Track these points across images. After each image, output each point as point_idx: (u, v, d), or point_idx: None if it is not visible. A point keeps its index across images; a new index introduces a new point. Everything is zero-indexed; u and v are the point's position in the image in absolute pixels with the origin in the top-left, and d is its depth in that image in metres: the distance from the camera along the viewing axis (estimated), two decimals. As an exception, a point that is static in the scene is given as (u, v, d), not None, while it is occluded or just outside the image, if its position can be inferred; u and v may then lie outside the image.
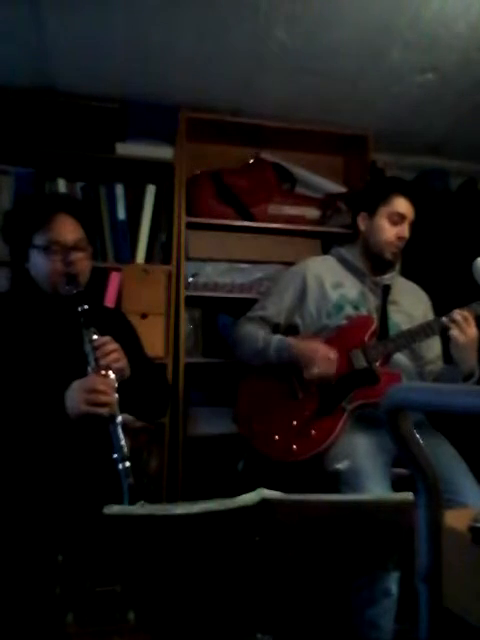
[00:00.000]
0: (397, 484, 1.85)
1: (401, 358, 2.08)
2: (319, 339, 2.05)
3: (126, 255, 2.56)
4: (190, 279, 2.68)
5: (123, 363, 1.59)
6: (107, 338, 1.58)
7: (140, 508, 0.97)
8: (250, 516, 0.96)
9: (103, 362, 1.53)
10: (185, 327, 2.68)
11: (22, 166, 2.53)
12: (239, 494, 0.97)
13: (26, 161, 2.54)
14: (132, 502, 1.42)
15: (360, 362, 2.00)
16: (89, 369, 1.53)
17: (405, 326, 2.03)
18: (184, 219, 2.67)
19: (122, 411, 1.68)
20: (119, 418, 1.50)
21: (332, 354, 1.96)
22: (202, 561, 1.01)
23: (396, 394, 0.77)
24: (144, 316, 2.50)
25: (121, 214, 2.56)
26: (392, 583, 1.73)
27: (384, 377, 1.97)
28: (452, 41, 2.28)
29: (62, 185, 2.52)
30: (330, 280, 2.11)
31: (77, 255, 1.66)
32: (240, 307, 2.46)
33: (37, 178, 2.52)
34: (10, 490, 1.53)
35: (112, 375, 1.53)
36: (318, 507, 1.03)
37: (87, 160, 2.57)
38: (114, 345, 1.58)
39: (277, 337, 2.06)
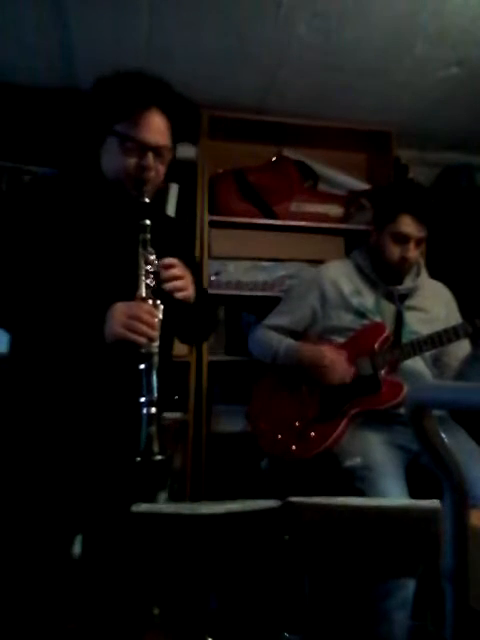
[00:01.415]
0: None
1: (418, 365, 2.07)
2: (327, 344, 2.07)
3: (150, 254, 2.57)
4: (213, 277, 2.69)
5: (190, 292, 1.45)
6: (174, 260, 1.42)
7: (168, 506, 0.97)
8: (275, 517, 0.96)
9: (167, 287, 1.39)
10: (208, 325, 2.69)
11: (46, 166, 2.55)
12: (263, 491, 0.98)
13: (50, 161, 2.56)
14: (149, 453, 1.28)
15: (366, 369, 2.01)
16: (138, 293, 1.38)
17: (425, 332, 2.01)
18: (207, 217, 2.68)
19: (170, 334, 1.57)
20: (156, 358, 1.35)
21: (342, 355, 2.00)
22: (228, 561, 1.02)
23: (419, 393, 0.76)
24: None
25: (145, 213, 2.58)
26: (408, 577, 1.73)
27: (385, 385, 1.98)
28: (477, 34, 2.25)
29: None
30: (348, 287, 2.11)
31: (154, 161, 1.46)
32: (263, 305, 2.46)
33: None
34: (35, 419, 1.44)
35: (161, 306, 1.39)
36: (342, 511, 1.03)
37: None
38: (181, 270, 1.43)
39: (285, 344, 2.09)
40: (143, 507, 0.93)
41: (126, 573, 1.33)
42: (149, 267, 1.40)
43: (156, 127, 1.46)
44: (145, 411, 1.31)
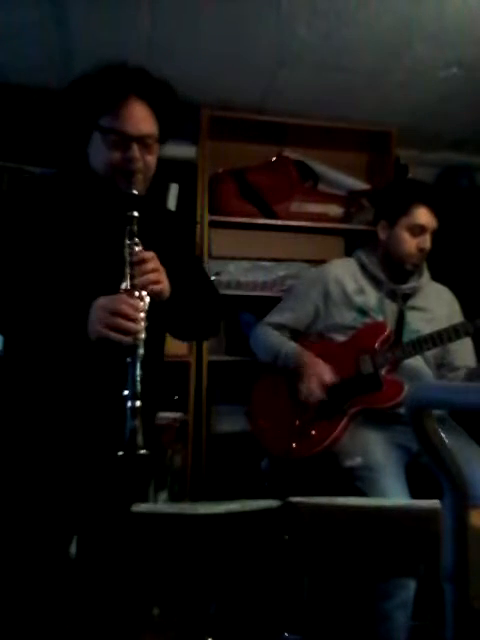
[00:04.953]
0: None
1: (418, 364, 2.07)
2: (327, 347, 2.09)
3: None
4: (213, 277, 2.69)
5: (162, 286, 1.39)
6: (149, 254, 1.38)
7: (168, 506, 0.97)
8: (275, 517, 0.96)
9: (139, 281, 1.35)
10: (208, 325, 2.69)
11: (46, 167, 2.56)
12: (263, 492, 0.98)
13: (50, 162, 2.56)
14: (132, 447, 1.24)
15: (367, 368, 2.01)
16: (123, 286, 1.34)
17: (426, 331, 2.02)
18: (207, 217, 2.68)
19: (164, 330, 1.56)
20: (141, 350, 1.31)
21: (327, 377, 2.01)
22: (228, 560, 1.02)
23: (420, 393, 0.76)
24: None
25: (145, 213, 2.58)
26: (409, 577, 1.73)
27: (386, 384, 1.99)
28: (477, 34, 2.24)
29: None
30: (351, 286, 2.11)
31: (140, 150, 1.42)
32: (263, 305, 2.46)
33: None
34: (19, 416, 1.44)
35: (147, 298, 1.35)
36: (343, 511, 1.03)
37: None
38: (155, 263, 1.38)
39: (285, 349, 2.10)
40: (143, 507, 0.93)
41: (125, 573, 1.33)
42: (133, 258, 1.37)
43: (137, 116, 1.42)
44: (129, 404, 1.27)
